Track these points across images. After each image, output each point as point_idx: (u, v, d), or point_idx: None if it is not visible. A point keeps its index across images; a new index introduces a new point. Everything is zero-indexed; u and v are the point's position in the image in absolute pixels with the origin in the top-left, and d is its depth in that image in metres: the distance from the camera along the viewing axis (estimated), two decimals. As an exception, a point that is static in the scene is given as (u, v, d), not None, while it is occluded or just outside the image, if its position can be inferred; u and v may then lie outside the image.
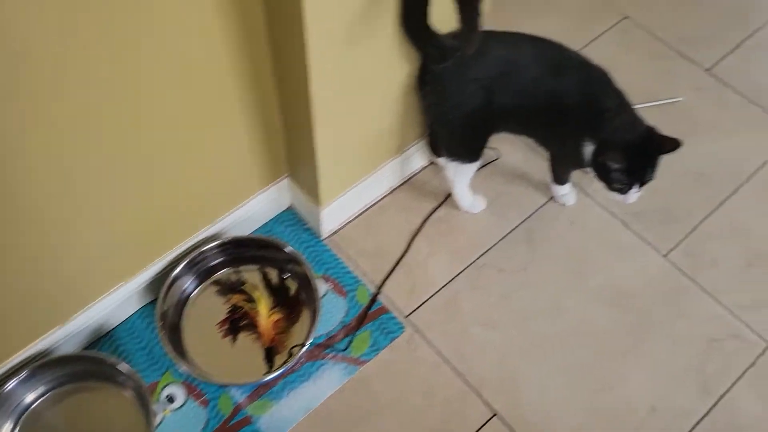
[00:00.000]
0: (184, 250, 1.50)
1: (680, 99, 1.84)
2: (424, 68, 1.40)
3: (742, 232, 1.64)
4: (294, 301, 1.51)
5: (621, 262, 1.61)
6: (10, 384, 1.32)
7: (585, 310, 1.54)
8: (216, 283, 1.53)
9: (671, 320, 1.53)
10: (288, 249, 1.49)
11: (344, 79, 1.29)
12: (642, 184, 1.38)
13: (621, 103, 1.38)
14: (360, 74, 1.30)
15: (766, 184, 1.71)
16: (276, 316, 1.48)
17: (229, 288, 1.52)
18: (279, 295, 1.51)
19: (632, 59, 1.92)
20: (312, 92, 1.24)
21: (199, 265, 1.50)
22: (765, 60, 1.91)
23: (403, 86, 1.43)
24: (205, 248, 1.49)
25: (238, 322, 1.48)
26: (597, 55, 1.99)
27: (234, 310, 1.50)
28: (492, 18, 1.92)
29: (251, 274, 1.54)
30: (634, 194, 1.39)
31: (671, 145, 1.33)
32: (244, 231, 1.60)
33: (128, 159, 1.23)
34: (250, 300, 1.50)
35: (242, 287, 1.52)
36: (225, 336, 1.47)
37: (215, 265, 1.53)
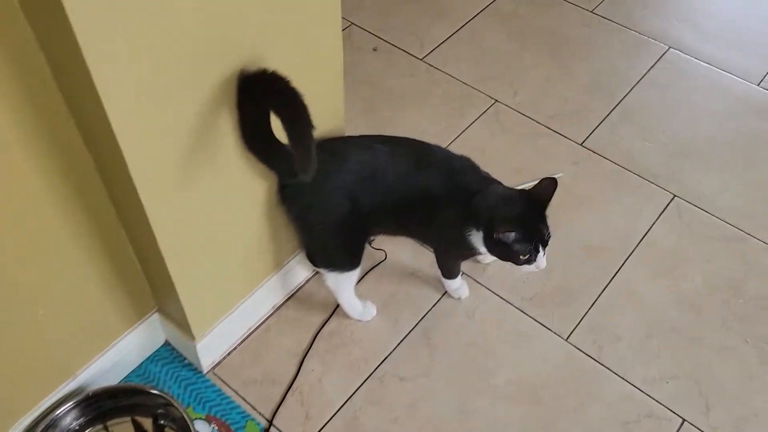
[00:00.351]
0: (38, 416, 1.32)
1: (560, 174, 1.84)
2: (282, 183, 1.33)
3: (638, 302, 1.61)
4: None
5: (524, 352, 1.53)
6: None
7: (494, 410, 1.45)
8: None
9: (583, 407, 1.45)
10: (155, 391, 1.34)
11: (189, 211, 1.19)
12: (544, 244, 1.33)
13: (488, 183, 1.35)
14: (207, 203, 1.21)
15: (653, 249, 1.70)
16: None
17: None
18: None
19: (509, 140, 1.92)
20: (155, 230, 1.14)
21: (57, 429, 1.32)
22: (633, 128, 1.95)
23: (263, 204, 1.35)
24: (60, 410, 1.31)
25: None
26: (473, 139, 2.02)
27: None
28: (363, 118, 1.90)
29: (123, 428, 1.37)
30: (542, 258, 1.34)
31: (549, 188, 1.29)
32: (115, 378, 1.44)
33: None
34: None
35: None
36: None
37: (77, 427, 1.35)
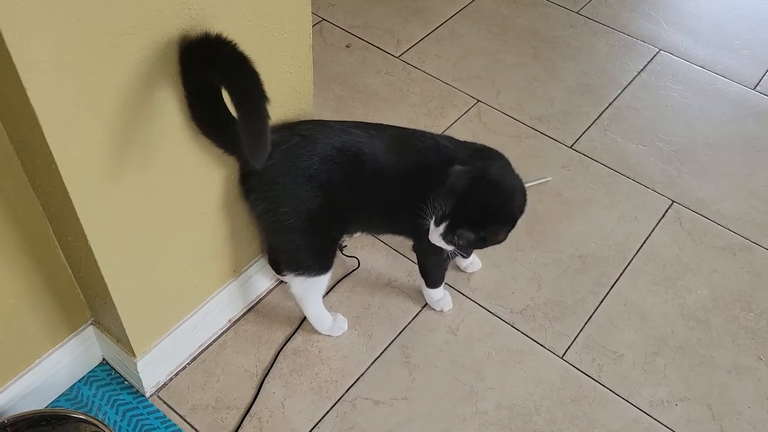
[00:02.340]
0: (-58, 445, 1.10)
1: (549, 179, 1.69)
2: (245, 171, 1.14)
3: (639, 316, 1.45)
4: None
5: (515, 372, 1.35)
6: None
7: (482, 439, 1.26)
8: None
9: (583, 434, 1.27)
10: (84, 417, 1.12)
11: (126, 204, 1.00)
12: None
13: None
14: (148, 195, 1.02)
15: (653, 259, 1.54)
16: None
17: None
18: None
19: (493, 142, 1.72)
20: (85, 227, 0.95)
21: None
22: (625, 130, 1.81)
23: (218, 197, 1.16)
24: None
25: None
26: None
27: None
28: (336, 117, 1.73)
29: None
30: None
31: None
32: (39, 403, 1.22)
33: None
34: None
35: None
36: None
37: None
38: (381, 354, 1.37)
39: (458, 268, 1.49)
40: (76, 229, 0.97)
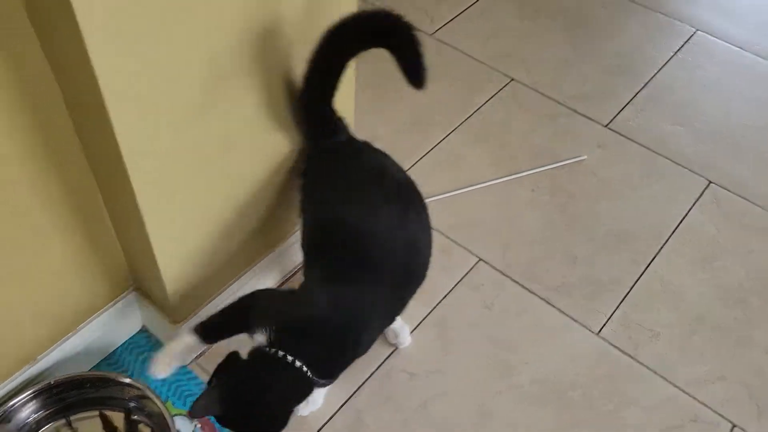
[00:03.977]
0: (-7, 403, 1.12)
1: (584, 158, 1.68)
2: (310, 154, 1.18)
3: (676, 295, 1.44)
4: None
5: (549, 348, 1.36)
6: None
7: (517, 413, 1.27)
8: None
9: (618, 410, 1.27)
10: (129, 381, 1.15)
11: (176, 173, 1.01)
12: None
13: None
14: (203, 156, 1.03)
15: (689, 238, 1.53)
16: None
17: None
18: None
19: (528, 120, 1.76)
20: (135, 185, 0.95)
21: (11, 423, 1.12)
22: (661, 110, 1.80)
23: (270, 170, 1.17)
24: (16, 401, 1.11)
25: None
26: (490, 118, 1.85)
27: None
28: (367, 94, 1.72)
29: (89, 423, 1.17)
30: None
31: None
32: (82, 367, 1.24)
33: None
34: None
35: None
36: None
37: (35, 421, 1.15)
38: (416, 328, 1.38)
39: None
40: (127, 192, 0.98)
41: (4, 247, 0.99)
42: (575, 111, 1.79)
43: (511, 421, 1.25)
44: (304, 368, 0.98)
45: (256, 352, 0.99)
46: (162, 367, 1.05)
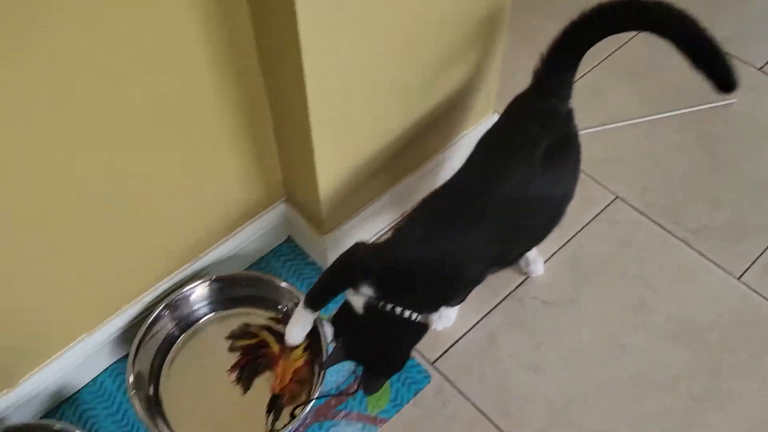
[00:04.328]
0: (161, 294, 1.24)
1: (734, 101, 1.60)
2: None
3: (828, 247, 1.38)
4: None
5: (687, 289, 1.34)
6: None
7: (651, 349, 1.27)
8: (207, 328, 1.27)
9: (756, 356, 1.25)
10: (284, 285, 1.23)
11: (349, 87, 1.05)
12: None
13: None
14: (383, 61, 1.07)
15: None
16: (298, 363, 1.21)
17: (238, 334, 1.27)
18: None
19: (673, 61, 1.68)
20: (308, 87, 1.00)
21: (180, 309, 1.24)
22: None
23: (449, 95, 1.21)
24: (187, 289, 1.23)
25: (253, 365, 1.23)
26: (633, 59, 1.79)
27: (250, 350, 1.25)
28: (514, 17, 1.68)
29: (252, 318, 1.28)
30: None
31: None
32: (234, 268, 1.34)
33: (97, 187, 0.99)
34: (273, 334, 1.25)
35: (251, 331, 1.27)
36: (237, 383, 1.21)
37: (198, 310, 1.27)
38: (550, 257, 1.39)
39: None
40: (299, 105, 1.03)
41: (188, 148, 1.08)
42: (727, 53, 1.70)
43: (645, 356, 1.26)
44: (413, 315, 1.04)
45: (369, 307, 1.05)
46: (295, 336, 1.15)
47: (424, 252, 1.04)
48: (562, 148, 1.11)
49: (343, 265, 1.09)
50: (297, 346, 1.18)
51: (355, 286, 1.05)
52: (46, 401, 1.19)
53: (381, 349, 1.08)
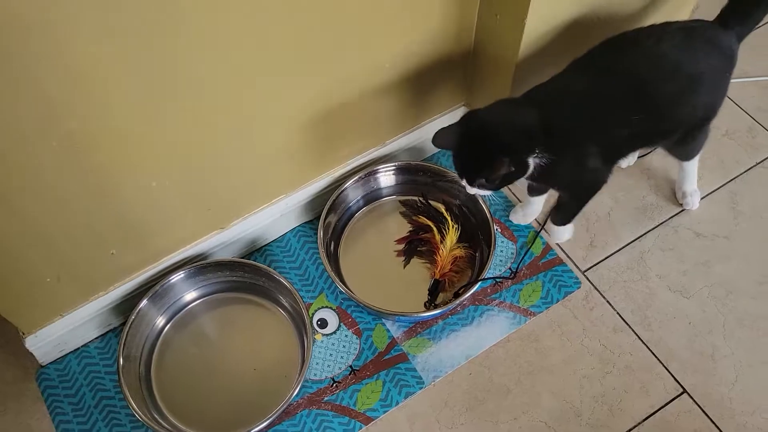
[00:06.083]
0: (351, 169, 1.39)
1: None
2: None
3: None
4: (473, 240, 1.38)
5: None
6: (171, 279, 1.26)
7: (799, 292, 1.32)
8: (403, 204, 1.44)
9: None
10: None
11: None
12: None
13: None
14: None
15: None
16: (458, 252, 1.35)
17: (415, 209, 1.42)
18: (465, 229, 1.37)
19: None
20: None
21: (368, 185, 1.40)
22: None
23: None
24: (375, 170, 1.38)
25: (416, 245, 1.38)
26: None
27: (417, 231, 1.39)
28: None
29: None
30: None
31: None
32: (413, 158, 1.48)
33: (311, 55, 1.11)
34: (436, 226, 1.37)
35: (429, 211, 1.41)
36: (399, 255, 1.37)
37: (386, 187, 1.42)
38: (709, 194, 1.44)
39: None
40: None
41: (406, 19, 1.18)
42: None
43: (791, 298, 1.32)
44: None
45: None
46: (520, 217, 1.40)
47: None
48: (723, 67, 1.16)
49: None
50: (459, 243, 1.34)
51: None
52: (243, 247, 1.38)
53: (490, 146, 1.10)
